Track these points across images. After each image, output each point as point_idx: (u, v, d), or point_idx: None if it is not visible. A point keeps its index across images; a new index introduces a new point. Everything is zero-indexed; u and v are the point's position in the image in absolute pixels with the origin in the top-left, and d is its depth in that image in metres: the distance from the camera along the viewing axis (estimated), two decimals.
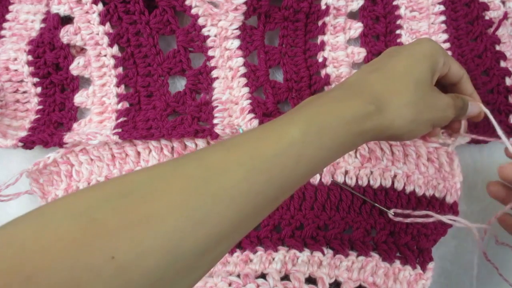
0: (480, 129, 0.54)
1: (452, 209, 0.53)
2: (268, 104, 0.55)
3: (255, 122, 0.54)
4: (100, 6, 0.56)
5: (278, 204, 0.36)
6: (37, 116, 0.59)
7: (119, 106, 0.57)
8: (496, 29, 0.55)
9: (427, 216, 0.50)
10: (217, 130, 0.53)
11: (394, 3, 0.57)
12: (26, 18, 0.62)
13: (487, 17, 0.56)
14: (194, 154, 0.34)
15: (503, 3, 0.56)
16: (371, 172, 0.53)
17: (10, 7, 0.63)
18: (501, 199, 0.47)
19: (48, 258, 0.25)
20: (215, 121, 0.54)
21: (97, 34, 0.57)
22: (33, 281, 0.24)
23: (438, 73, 0.45)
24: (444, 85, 0.49)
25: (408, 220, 0.50)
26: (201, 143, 0.55)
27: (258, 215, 0.34)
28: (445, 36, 0.56)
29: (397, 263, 0.51)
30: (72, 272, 0.25)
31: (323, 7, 0.56)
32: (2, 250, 0.26)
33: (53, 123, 0.58)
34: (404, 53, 0.44)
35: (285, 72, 0.56)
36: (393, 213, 0.51)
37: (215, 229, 0.30)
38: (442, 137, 0.53)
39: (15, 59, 0.59)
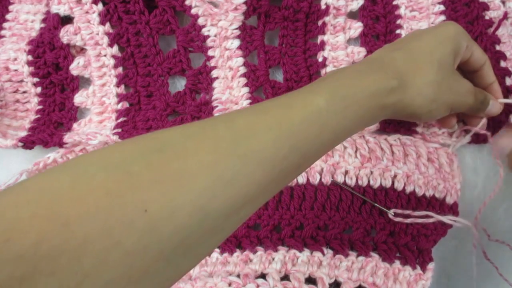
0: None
1: (452, 209, 0.52)
2: None
3: None
4: (100, 6, 0.56)
5: (300, 173, 0.37)
6: (37, 116, 0.59)
7: (119, 106, 0.57)
8: (496, 29, 0.55)
9: (427, 216, 0.50)
10: None
11: (394, 2, 0.57)
12: (26, 18, 0.62)
13: (487, 17, 0.56)
14: (224, 116, 0.35)
15: (503, 3, 0.56)
16: (371, 172, 0.53)
17: (10, 7, 0.63)
18: None
19: (82, 208, 0.26)
20: None
21: (97, 34, 0.57)
22: (68, 229, 0.25)
23: (460, 57, 0.45)
24: (465, 72, 0.49)
25: (408, 220, 0.50)
26: None
27: (281, 180, 0.34)
28: None
29: (397, 264, 0.51)
30: (106, 222, 0.26)
31: (323, 7, 0.56)
32: (38, 195, 0.26)
33: (53, 123, 0.59)
34: (428, 34, 0.45)
35: (285, 72, 0.56)
36: (393, 213, 0.51)
37: (243, 190, 0.31)
38: (456, 128, 0.53)
39: (15, 59, 0.59)
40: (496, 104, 0.48)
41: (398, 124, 0.54)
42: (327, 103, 0.36)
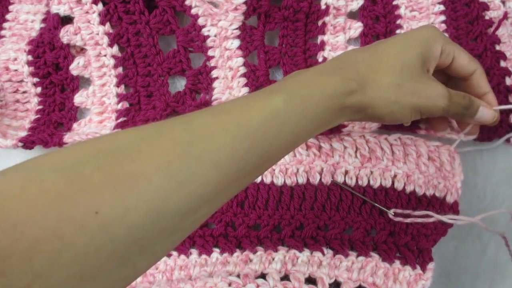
0: (481, 127, 0.54)
1: (453, 208, 0.52)
2: None
3: None
4: (100, 6, 0.56)
5: (261, 173, 0.37)
6: (37, 116, 0.59)
7: (119, 106, 0.57)
8: (496, 29, 0.55)
9: (427, 216, 0.50)
10: None
11: (394, 2, 0.57)
12: (26, 18, 0.62)
13: (487, 17, 0.56)
14: (181, 118, 0.35)
15: (503, 3, 0.56)
16: (371, 172, 0.53)
17: (10, 7, 0.63)
18: None
19: (33, 208, 0.26)
20: None
21: (97, 34, 0.57)
22: (18, 230, 0.25)
23: (434, 61, 0.45)
24: (455, 80, 0.49)
25: (408, 220, 0.50)
26: None
27: (240, 181, 0.34)
28: None
29: (397, 263, 0.51)
30: (57, 224, 0.26)
31: (323, 7, 0.56)
32: None
33: (53, 123, 0.58)
34: (399, 37, 0.45)
35: (285, 72, 0.56)
36: (393, 213, 0.51)
37: (198, 190, 0.31)
38: (448, 132, 0.53)
39: (15, 59, 0.59)
40: (487, 111, 0.47)
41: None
42: (285, 104, 0.36)
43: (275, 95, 0.36)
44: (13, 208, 0.26)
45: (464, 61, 0.46)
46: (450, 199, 0.52)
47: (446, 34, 0.55)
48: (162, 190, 0.29)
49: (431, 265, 0.51)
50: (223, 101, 0.56)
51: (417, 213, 0.50)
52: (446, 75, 0.49)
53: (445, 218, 0.49)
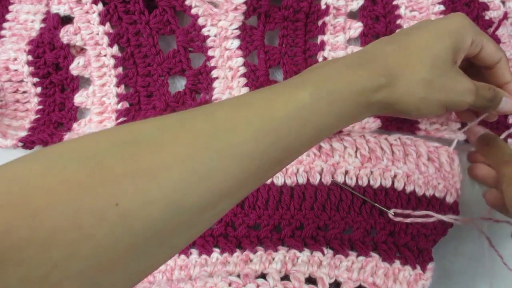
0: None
1: (452, 209, 0.52)
2: None
3: None
4: (100, 6, 0.56)
5: (282, 168, 0.36)
6: (37, 116, 0.59)
7: (119, 106, 0.57)
8: (496, 29, 0.55)
9: (427, 216, 0.50)
10: None
11: (394, 2, 0.57)
12: (26, 18, 0.62)
13: (487, 17, 0.56)
14: (203, 109, 0.34)
15: (503, 3, 0.56)
16: (371, 172, 0.53)
17: (10, 7, 0.63)
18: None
19: (53, 198, 0.25)
20: None
21: (97, 34, 0.57)
22: (37, 219, 0.25)
23: (463, 53, 0.43)
24: (479, 69, 0.48)
25: (408, 220, 0.50)
26: None
27: (261, 175, 0.34)
28: None
29: (397, 263, 0.51)
30: (76, 214, 0.25)
31: (323, 7, 0.56)
32: (7, 184, 0.26)
33: (53, 123, 0.58)
34: (429, 27, 0.43)
35: (285, 72, 0.56)
36: (393, 213, 0.51)
37: (219, 185, 0.30)
38: (447, 132, 0.53)
39: (15, 59, 0.59)
40: (510, 102, 0.46)
41: (400, 121, 0.54)
42: (311, 98, 0.35)
43: (301, 89, 0.35)
44: (33, 197, 0.25)
45: (491, 51, 0.45)
46: (449, 199, 0.52)
47: None
48: (183, 184, 0.29)
49: (431, 265, 0.52)
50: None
51: (417, 213, 0.50)
52: (468, 62, 0.47)
53: (446, 218, 0.49)
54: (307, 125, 0.35)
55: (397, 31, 0.45)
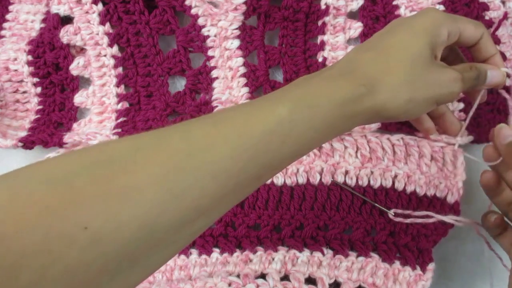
0: (481, 128, 0.54)
1: (454, 208, 0.52)
2: None
3: None
4: (100, 6, 0.56)
5: (262, 183, 0.36)
6: (37, 116, 0.59)
7: (119, 106, 0.57)
8: (496, 29, 0.55)
9: (427, 216, 0.50)
10: None
11: (394, 3, 0.57)
12: (26, 18, 0.62)
13: (487, 17, 0.56)
14: (180, 126, 0.33)
15: (503, 3, 0.56)
16: (372, 172, 0.53)
17: (10, 7, 0.63)
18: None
19: (21, 222, 0.25)
20: None
21: (97, 34, 0.57)
22: (5, 244, 0.24)
23: (442, 46, 0.43)
24: (457, 53, 0.47)
25: (408, 220, 0.50)
26: None
27: (239, 192, 0.33)
28: None
29: (397, 264, 0.51)
30: (45, 238, 0.25)
31: (323, 7, 0.56)
32: None
33: (53, 123, 0.58)
34: (403, 26, 0.42)
35: (285, 72, 0.56)
36: (393, 213, 0.51)
37: (194, 203, 0.30)
38: (445, 137, 0.52)
39: (15, 59, 0.59)
40: (496, 73, 0.45)
41: (400, 123, 0.54)
42: (290, 113, 0.34)
43: (279, 104, 0.35)
44: (0, 221, 0.25)
45: (470, 31, 0.44)
46: (451, 199, 0.52)
47: None
48: (157, 204, 0.28)
49: (431, 266, 0.51)
50: (223, 101, 0.56)
51: (417, 213, 0.50)
52: (446, 48, 0.46)
53: (446, 218, 0.49)
54: (287, 141, 0.34)
55: (374, 34, 0.44)
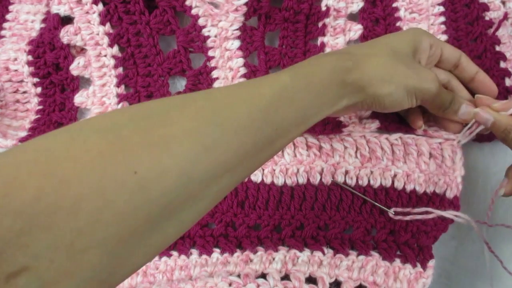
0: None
1: (453, 203, 0.52)
2: None
3: None
4: (100, 6, 0.56)
5: (275, 151, 0.39)
6: (37, 116, 0.59)
7: (119, 106, 0.57)
8: (496, 29, 0.55)
9: (426, 212, 0.50)
10: None
11: (394, 5, 0.57)
12: (26, 18, 0.62)
13: (487, 18, 0.56)
14: (202, 91, 0.38)
15: (503, 3, 0.56)
16: (371, 172, 0.53)
17: (10, 7, 0.63)
18: None
19: (78, 166, 0.27)
20: None
21: (97, 34, 0.57)
22: (64, 186, 0.26)
23: (423, 53, 0.49)
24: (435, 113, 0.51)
25: (408, 217, 0.50)
26: None
27: (257, 154, 0.36)
28: (444, 37, 0.56)
29: (397, 262, 0.51)
30: (99, 182, 0.27)
31: (323, 8, 0.56)
32: (35, 155, 0.27)
33: (53, 123, 0.58)
34: (391, 34, 0.50)
35: None
36: (393, 213, 0.51)
37: (221, 157, 0.32)
38: (424, 127, 0.53)
39: (15, 59, 0.59)
40: (467, 109, 0.49)
41: (399, 121, 0.54)
42: (291, 80, 0.39)
43: (282, 74, 0.40)
44: (59, 166, 0.27)
45: (451, 50, 0.51)
46: (450, 194, 0.52)
47: (446, 36, 0.56)
48: (193, 154, 0.31)
49: (431, 263, 0.51)
50: None
51: (416, 210, 0.50)
52: (422, 107, 0.51)
53: (446, 214, 0.49)
54: (293, 104, 0.38)
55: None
